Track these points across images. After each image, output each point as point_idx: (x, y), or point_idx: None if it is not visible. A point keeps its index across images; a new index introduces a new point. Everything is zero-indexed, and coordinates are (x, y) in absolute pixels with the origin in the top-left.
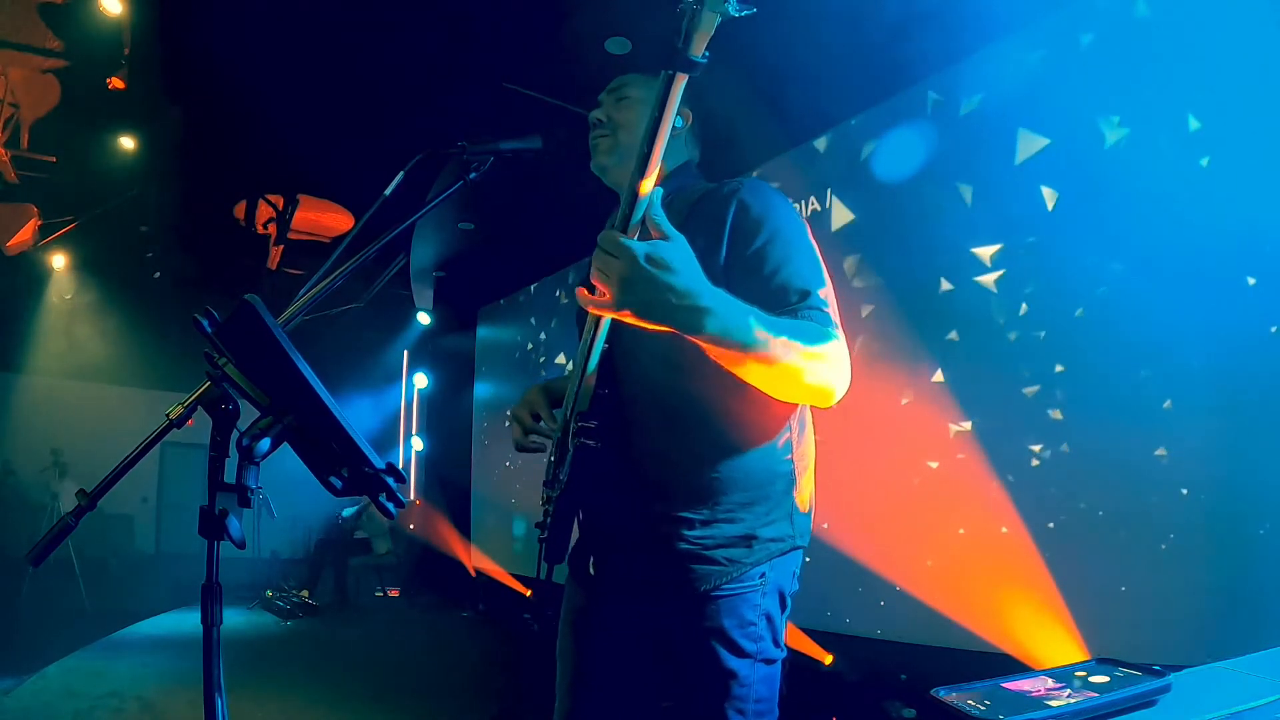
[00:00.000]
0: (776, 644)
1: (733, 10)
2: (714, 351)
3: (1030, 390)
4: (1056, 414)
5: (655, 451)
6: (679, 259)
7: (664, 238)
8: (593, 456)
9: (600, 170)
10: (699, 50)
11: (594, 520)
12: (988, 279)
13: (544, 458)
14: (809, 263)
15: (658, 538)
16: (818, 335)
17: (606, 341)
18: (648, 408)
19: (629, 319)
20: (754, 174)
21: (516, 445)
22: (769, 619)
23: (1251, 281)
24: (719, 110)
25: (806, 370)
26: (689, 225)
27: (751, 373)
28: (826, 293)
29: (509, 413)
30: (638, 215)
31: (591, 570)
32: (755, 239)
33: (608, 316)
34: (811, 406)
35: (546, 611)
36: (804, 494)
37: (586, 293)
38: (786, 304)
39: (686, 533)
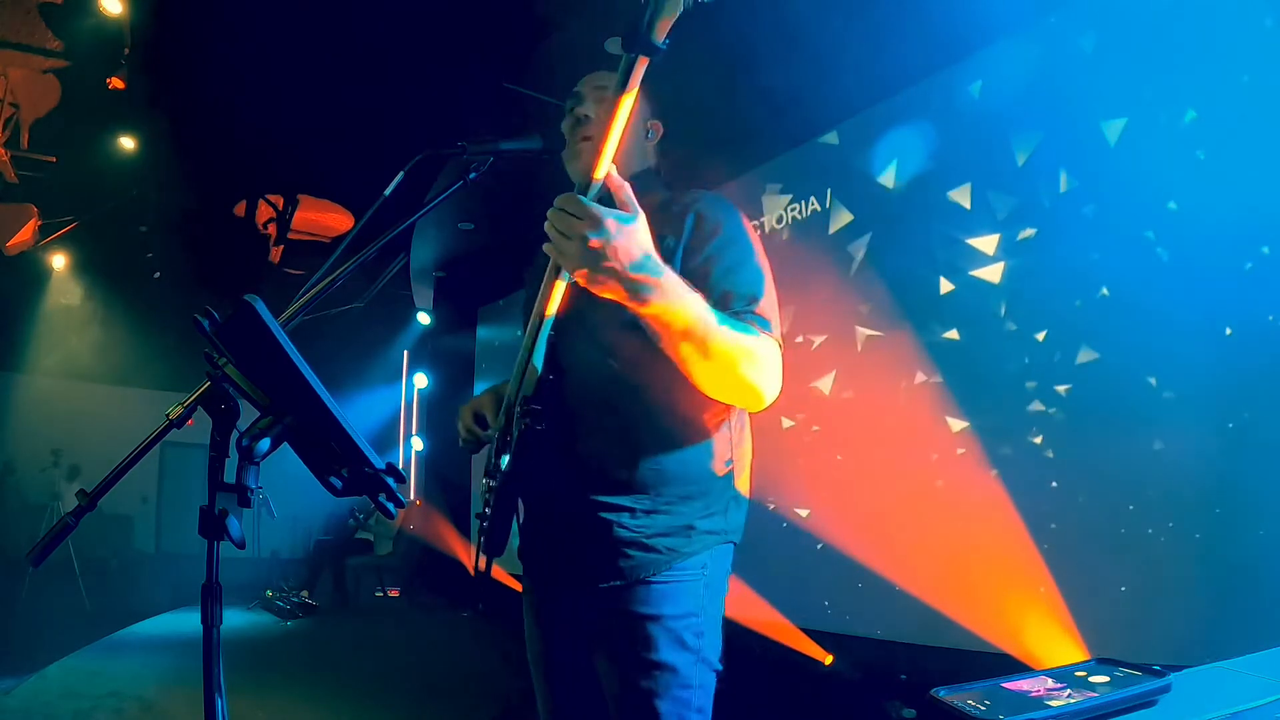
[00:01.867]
0: (715, 646)
1: None
2: (656, 326)
3: (1030, 386)
4: (1056, 412)
5: (597, 439)
6: (637, 232)
7: (627, 211)
8: (536, 441)
9: (580, 176)
10: (661, 35)
11: (537, 508)
12: (987, 274)
13: None
14: (755, 274)
15: (598, 525)
16: (754, 335)
17: (552, 329)
18: (591, 396)
19: (580, 280)
20: (719, 185)
21: (460, 442)
22: (708, 616)
23: (1249, 265)
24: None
25: (739, 365)
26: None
27: (688, 356)
28: (770, 303)
29: (459, 410)
30: (593, 193)
31: (537, 556)
32: (708, 247)
33: (559, 283)
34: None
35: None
36: (742, 488)
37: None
38: (730, 309)
39: (628, 520)
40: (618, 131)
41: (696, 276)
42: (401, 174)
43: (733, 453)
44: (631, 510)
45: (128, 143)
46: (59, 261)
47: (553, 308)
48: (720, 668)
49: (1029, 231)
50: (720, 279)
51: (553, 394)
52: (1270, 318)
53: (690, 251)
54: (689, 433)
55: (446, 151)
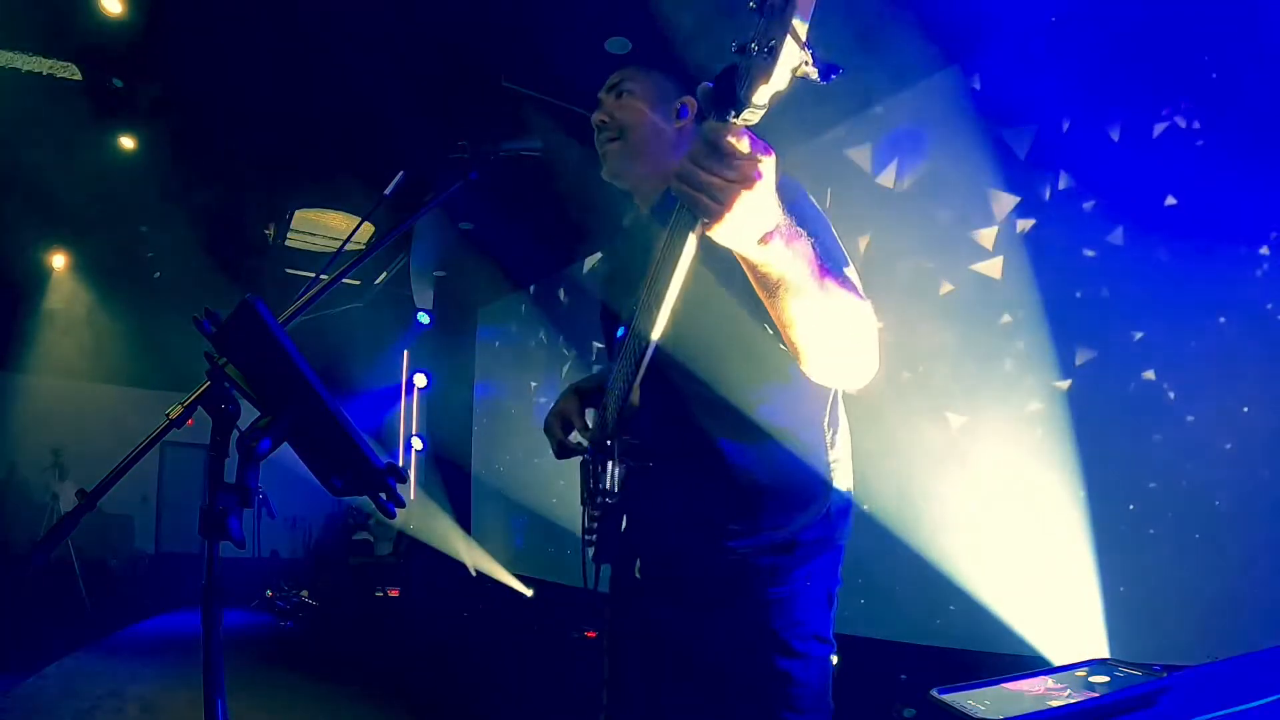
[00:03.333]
0: (826, 641)
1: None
2: (773, 274)
3: (1030, 383)
4: (1055, 409)
5: (697, 465)
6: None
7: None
8: (636, 473)
9: (613, 176)
10: (762, 99)
11: (639, 534)
12: (987, 269)
13: (554, 458)
14: (838, 246)
15: (702, 549)
16: (857, 294)
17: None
18: (688, 422)
19: (716, 229)
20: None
21: (555, 454)
22: (816, 619)
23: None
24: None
25: (847, 323)
26: None
27: (796, 312)
28: (853, 271)
29: (545, 421)
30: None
31: (638, 574)
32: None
33: (715, 226)
34: (843, 398)
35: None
36: (842, 490)
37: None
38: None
39: (730, 544)
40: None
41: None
42: (401, 174)
43: (830, 454)
44: (734, 532)
45: (128, 143)
46: (59, 261)
47: (658, 331)
48: (833, 646)
49: (1027, 223)
50: None
51: (649, 423)
52: (1269, 305)
53: None
54: (783, 447)
55: (447, 152)
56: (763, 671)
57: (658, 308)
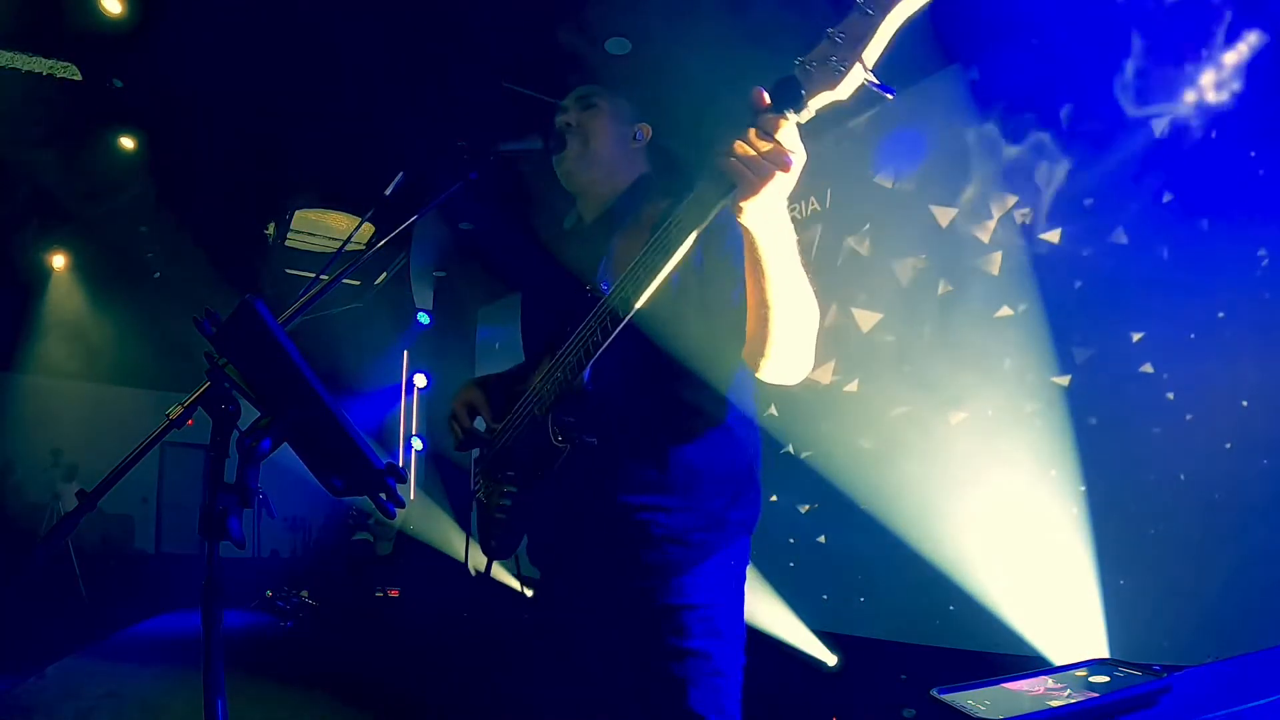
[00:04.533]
0: (740, 626)
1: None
2: (775, 242)
3: (1029, 380)
4: (1055, 406)
5: (635, 446)
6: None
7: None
8: (574, 453)
9: (565, 176)
10: (815, 104)
11: (569, 515)
12: (985, 266)
13: None
14: None
15: (631, 526)
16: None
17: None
18: (630, 405)
19: (750, 200)
20: None
21: (455, 447)
22: (733, 601)
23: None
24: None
25: (811, 309)
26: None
27: (779, 288)
28: None
29: (452, 410)
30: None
31: (559, 555)
32: (724, 246)
33: (752, 197)
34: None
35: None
36: (760, 481)
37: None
38: None
39: (663, 519)
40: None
41: (724, 272)
42: (401, 174)
43: (754, 447)
44: (666, 509)
45: (128, 143)
46: (59, 261)
47: (620, 324)
48: (744, 637)
49: (1026, 220)
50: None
51: (589, 405)
52: (1267, 296)
53: (712, 251)
54: (717, 429)
55: (448, 153)
56: (681, 645)
57: (639, 292)
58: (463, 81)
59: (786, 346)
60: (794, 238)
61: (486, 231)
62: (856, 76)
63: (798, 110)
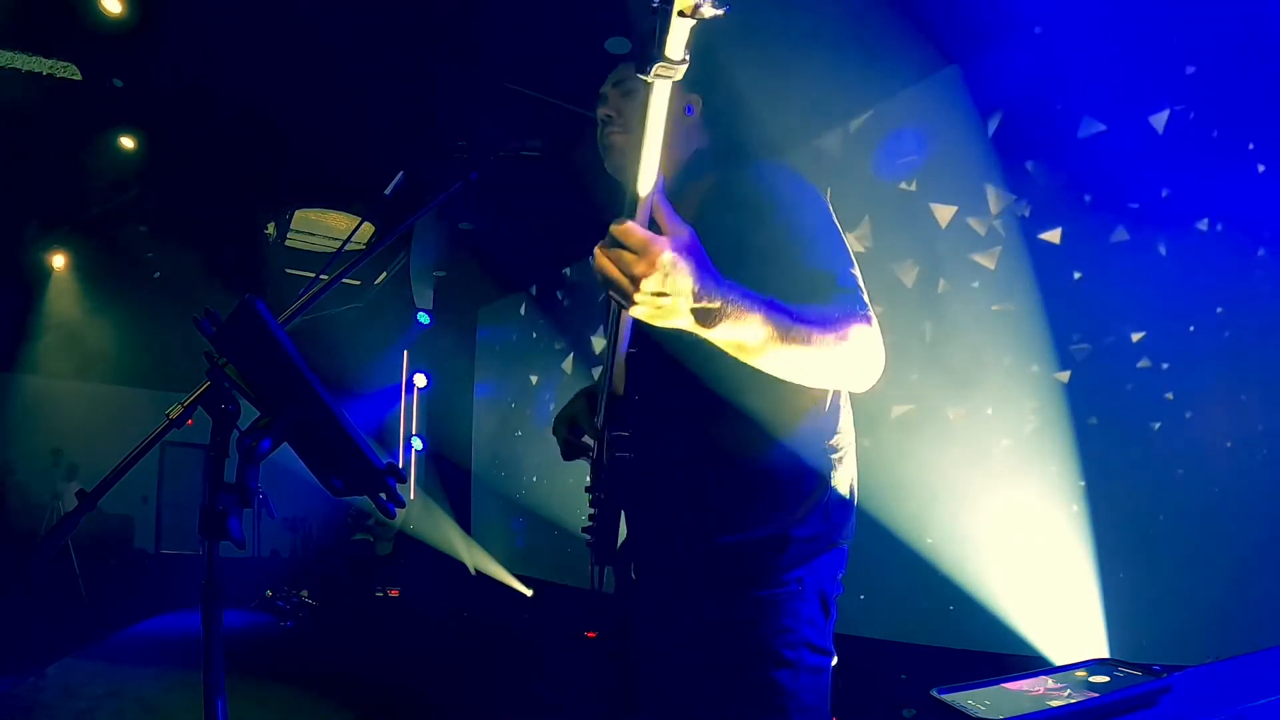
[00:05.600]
0: (821, 650)
1: (705, 12)
2: (731, 348)
3: (1029, 378)
4: (1055, 405)
5: (681, 455)
6: (692, 258)
7: (673, 232)
8: (626, 466)
9: (616, 170)
10: (676, 52)
11: (633, 529)
12: (984, 264)
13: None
14: (831, 248)
15: (690, 544)
16: (842, 320)
17: (631, 346)
18: (672, 413)
19: (652, 317)
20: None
21: (562, 456)
22: (810, 625)
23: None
24: (729, 96)
25: (831, 358)
26: (705, 214)
27: (773, 365)
28: (852, 275)
29: (554, 424)
30: (629, 209)
31: (634, 575)
32: (775, 228)
33: (627, 316)
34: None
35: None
36: (843, 484)
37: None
38: (812, 289)
39: (717, 538)
40: (651, 155)
41: (767, 257)
42: (401, 174)
43: (827, 449)
44: (721, 526)
45: (128, 143)
46: (59, 261)
47: (624, 330)
48: (833, 658)
49: (1026, 218)
50: (794, 262)
51: (636, 415)
52: (1267, 293)
53: (756, 232)
54: (776, 433)
55: (448, 153)
56: (748, 679)
57: (620, 322)
58: (463, 81)
59: (804, 383)
60: (752, 325)
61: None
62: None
63: (653, 64)
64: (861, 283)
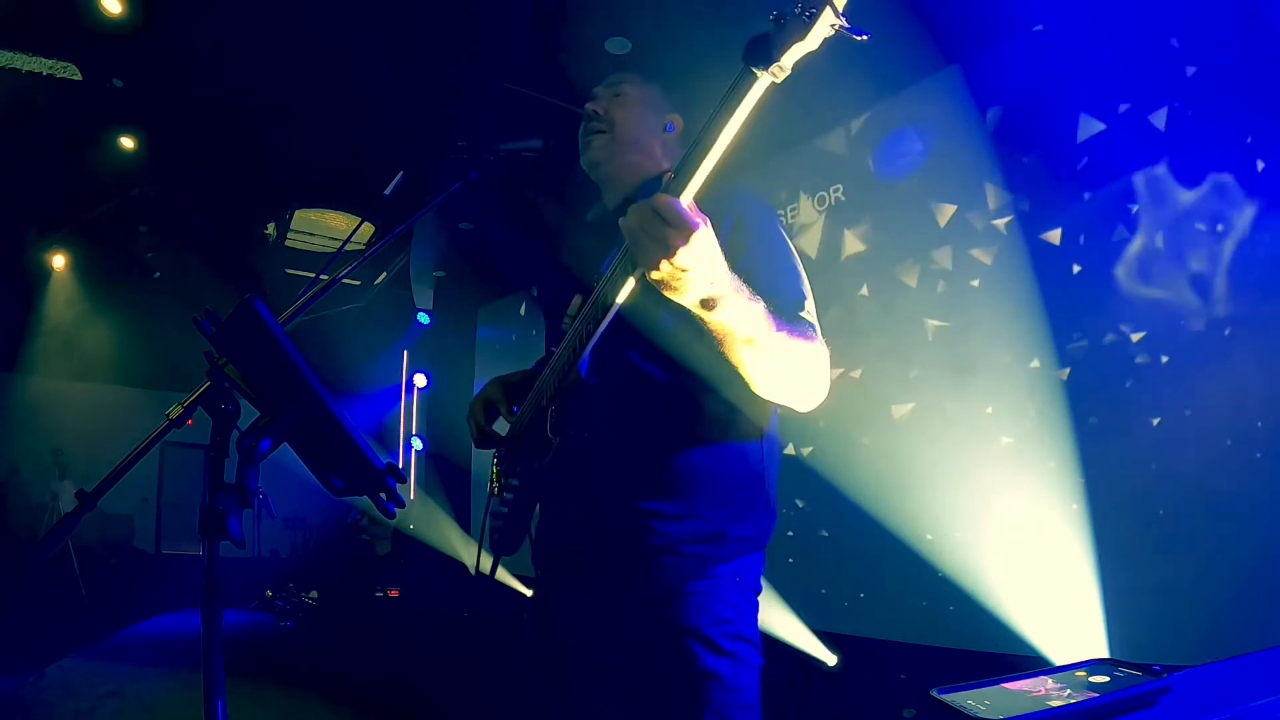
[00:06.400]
0: (755, 645)
1: (849, 30)
2: (720, 333)
3: (1029, 375)
4: (1055, 403)
5: (633, 445)
6: (715, 243)
7: (697, 219)
8: (570, 448)
9: (590, 165)
10: (789, 63)
11: (561, 510)
12: (984, 261)
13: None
14: (798, 277)
15: (628, 531)
16: (809, 338)
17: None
18: (629, 402)
19: (653, 282)
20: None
21: (475, 443)
22: (744, 618)
23: None
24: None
25: (797, 369)
26: None
27: (747, 360)
28: (812, 305)
29: (470, 408)
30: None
31: (558, 564)
32: (750, 252)
33: (630, 284)
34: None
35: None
36: (772, 493)
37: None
38: (784, 311)
39: (658, 526)
40: (716, 153)
41: (744, 278)
42: (401, 174)
43: (765, 458)
44: (663, 515)
45: (128, 143)
46: (59, 261)
47: (608, 315)
48: (762, 660)
49: (1026, 216)
50: (767, 284)
51: (589, 400)
52: (1267, 291)
53: (731, 255)
54: (726, 436)
55: (448, 153)
56: (687, 669)
57: (617, 290)
58: (463, 81)
59: (769, 388)
60: (747, 314)
61: (502, 227)
62: (826, 21)
63: (766, 66)
64: (815, 311)
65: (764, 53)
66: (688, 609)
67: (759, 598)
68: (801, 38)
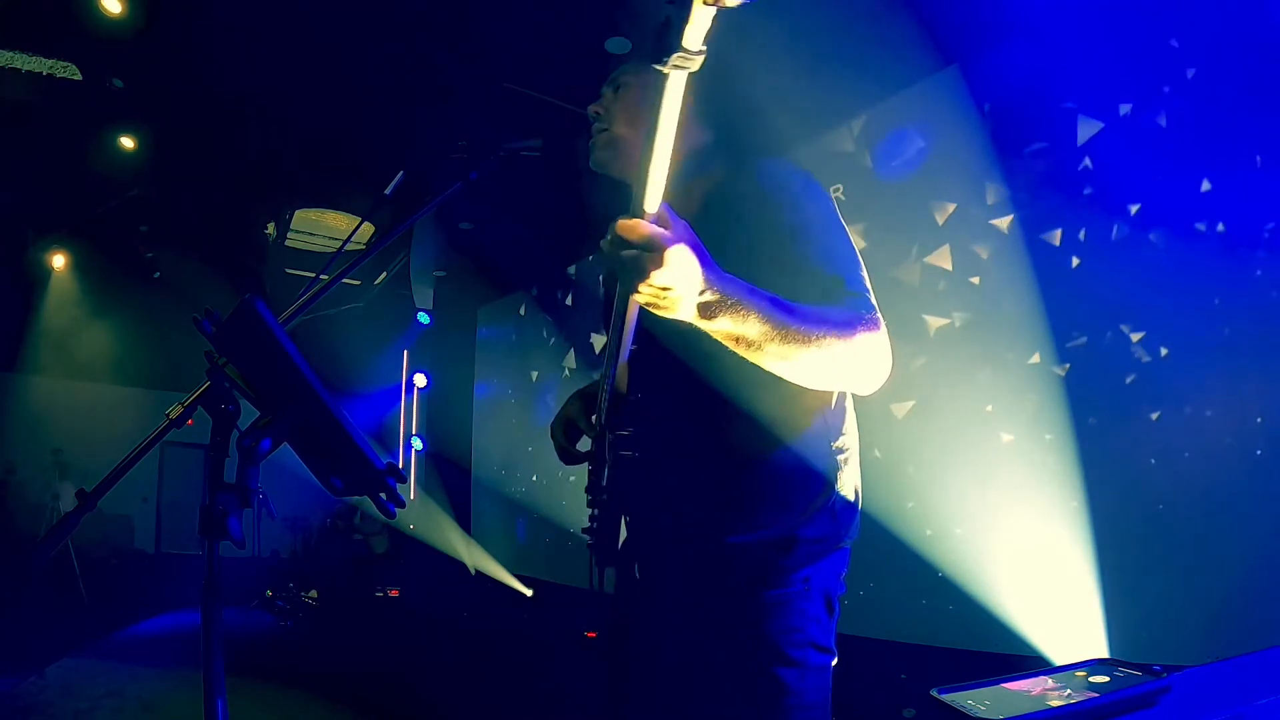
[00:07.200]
0: (825, 649)
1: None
2: (729, 341)
3: (1028, 373)
4: (1053, 402)
5: (687, 455)
6: (695, 249)
7: (669, 228)
8: (630, 465)
9: (599, 166)
10: (695, 42)
11: (636, 527)
12: (984, 260)
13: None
14: (836, 247)
15: (695, 544)
16: (848, 322)
17: (635, 344)
18: (677, 412)
19: (655, 307)
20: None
21: (562, 461)
22: (815, 624)
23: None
24: (732, 87)
25: (832, 358)
26: (709, 211)
27: (772, 362)
28: (858, 275)
29: (550, 428)
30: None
31: (637, 575)
32: (781, 227)
33: (632, 309)
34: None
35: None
36: (847, 487)
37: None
38: (821, 291)
39: (723, 538)
40: (660, 156)
41: (774, 257)
42: (401, 174)
43: (833, 450)
44: (726, 526)
45: (128, 143)
46: (59, 261)
47: (629, 328)
48: (835, 656)
49: (1026, 215)
50: (803, 262)
51: (640, 414)
52: (1266, 289)
53: (762, 232)
54: (783, 433)
55: (448, 153)
56: (753, 678)
57: (626, 314)
58: (463, 81)
59: (806, 382)
60: (752, 321)
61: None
62: None
63: (668, 56)
64: (869, 284)
65: (664, 46)
66: (757, 620)
67: (838, 599)
68: (686, 18)
